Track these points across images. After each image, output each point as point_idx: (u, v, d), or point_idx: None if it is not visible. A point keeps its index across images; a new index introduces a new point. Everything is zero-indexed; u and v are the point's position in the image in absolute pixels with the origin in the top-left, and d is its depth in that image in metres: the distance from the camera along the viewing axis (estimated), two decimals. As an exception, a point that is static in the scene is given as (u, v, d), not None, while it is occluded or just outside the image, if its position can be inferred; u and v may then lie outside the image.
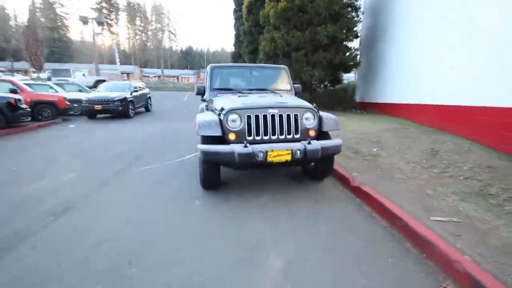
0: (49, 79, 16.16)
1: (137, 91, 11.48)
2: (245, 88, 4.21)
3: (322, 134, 3.30)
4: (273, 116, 3.03)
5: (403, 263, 1.98)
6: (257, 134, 3.02)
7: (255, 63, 12.46)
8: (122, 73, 27.14)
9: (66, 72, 18.19)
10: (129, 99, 10.42)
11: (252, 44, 15.05)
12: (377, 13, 9.92)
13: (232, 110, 2.99)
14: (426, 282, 1.78)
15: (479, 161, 3.83)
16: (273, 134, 3.05)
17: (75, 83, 13.07)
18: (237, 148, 2.77)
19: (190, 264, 1.99)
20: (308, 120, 3.17)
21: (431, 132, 5.81)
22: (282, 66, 4.61)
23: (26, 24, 27.27)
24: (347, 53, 10.02)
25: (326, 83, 11.38)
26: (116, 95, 9.97)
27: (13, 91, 7.90)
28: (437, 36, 6.43)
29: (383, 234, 2.39)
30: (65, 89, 11.48)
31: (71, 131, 7.86)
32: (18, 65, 35.77)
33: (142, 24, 62.96)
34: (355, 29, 10.00)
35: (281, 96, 3.83)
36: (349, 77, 15.47)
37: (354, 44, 11.03)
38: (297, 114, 3.11)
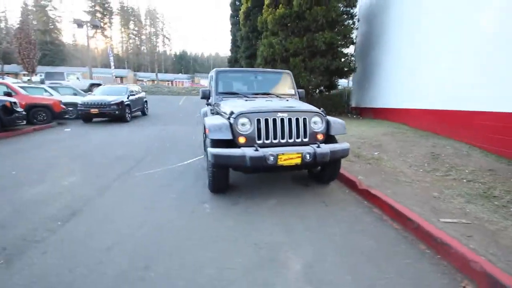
0: (42, 82, 15.87)
1: (133, 94, 11.38)
2: (250, 92, 4.24)
3: (328, 138, 3.34)
4: (282, 120, 3.06)
5: (419, 264, 2.01)
6: (267, 137, 3.04)
7: (253, 67, 12.57)
8: (116, 77, 26.89)
9: (60, 75, 17.91)
10: (126, 103, 10.32)
11: (249, 49, 15.17)
12: (371, 20, 10.17)
13: (242, 114, 3.01)
14: (444, 283, 1.81)
15: (480, 165, 3.93)
16: (282, 137, 3.07)
17: (69, 87, 12.88)
18: (249, 151, 2.78)
19: (211, 267, 1.97)
20: (316, 124, 3.21)
21: (428, 136, 5.94)
22: (286, 71, 4.67)
23: (19, 26, 26.79)
24: (344, 59, 10.20)
25: (321, 88, 11.54)
26: (113, 98, 9.87)
27: (7, 94, 7.73)
28: (432, 41, 6.62)
29: (395, 236, 2.43)
30: (60, 93, 11.30)
31: (68, 135, 7.73)
32: (8, 68, 35.07)
33: (136, 28, 62.78)
34: (351, 35, 10.21)
35: (287, 100, 3.87)
36: (342, 83, 15.73)
37: (350, 50, 11.26)
38: (305, 118, 3.14)
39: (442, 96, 6.18)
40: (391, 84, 8.81)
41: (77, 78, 18.61)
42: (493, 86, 4.78)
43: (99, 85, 18.31)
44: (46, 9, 48.02)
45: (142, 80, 48.67)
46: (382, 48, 9.36)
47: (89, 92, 13.43)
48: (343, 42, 10.03)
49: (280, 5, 9.83)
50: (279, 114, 3.06)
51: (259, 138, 3.01)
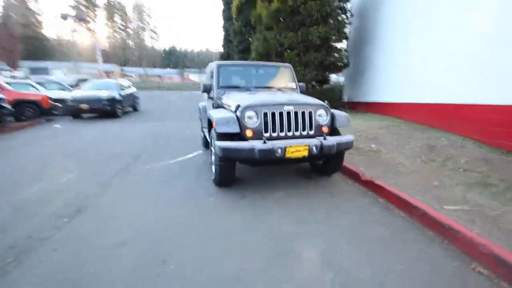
0: (26, 77, 15.25)
1: (124, 90, 11.13)
2: (252, 86, 4.23)
3: (332, 130, 3.39)
4: (288, 113, 3.08)
5: (430, 249, 2.09)
6: (273, 130, 3.05)
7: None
8: (104, 72, 26.15)
9: (44, 70, 17.30)
10: (117, 98, 10.08)
11: (242, 43, 15.04)
12: (365, 15, 10.27)
13: (249, 107, 3.00)
14: (455, 265, 1.90)
15: (474, 155, 4.09)
16: (289, 130, 3.09)
17: (56, 82, 12.44)
18: (257, 144, 2.79)
19: (229, 259, 1.99)
20: (321, 117, 3.25)
21: (422, 129, 6.10)
22: (287, 64, 4.68)
23: (1, 21, 25.49)
24: (337, 54, 10.27)
25: (313, 82, 11.60)
26: (104, 94, 9.61)
27: (-8, 90, 7.41)
28: (425, 36, 6.76)
29: (403, 224, 2.51)
30: (46, 88, 10.90)
31: (58, 131, 7.49)
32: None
33: (123, 23, 60.97)
34: (344, 30, 10.28)
35: (291, 93, 3.88)
36: (332, 78, 15.85)
37: (343, 45, 11.34)
38: (311, 111, 3.17)
39: (435, 90, 6.35)
40: (384, 79, 8.96)
41: (64, 73, 18.00)
42: (485, 79, 4.95)
43: (85, 80, 17.78)
44: (27, 1, 45.85)
45: (129, 75, 47.51)
46: (375, 43, 9.49)
47: (77, 87, 12.99)
48: (337, 37, 10.10)
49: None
50: (286, 107, 3.07)
51: (266, 131, 3.02)
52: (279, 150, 2.80)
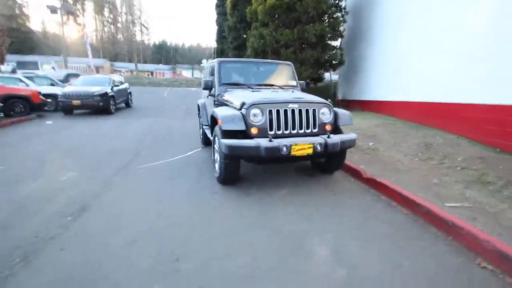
0: (13, 71, 14.74)
1: (117, 85, 10.91)
2: (253, 83, 4.21)
3: (335, 129, 3.42)
4: (293, 110, 3.09)
5: (435, 246, 2.15)
6: (278, 128, 3.06)
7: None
8: (94, 67, 25.46)
9: (33, 64, 16.72)
10: (110, 94, 9.86)
11: (237, 40, 14.92)
12: (359, 13, 10.35)
13: (254, 105, 3.00)
14: (460, 261, 1.96)
15: (470, 153, 4.21)
16: (293, 128, 3.11)
17: (46, 77, 12.08)
18: (263, 142, 2.79)
19: (241, 256, 2.00)
20: (325, 115, 3.28)
21: (418, 127, 6.24)
22: (288, 62, 4.68)
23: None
24: (333, 52, 10.34)
25: (308, 80, 11.66)
26: (97, 89, 9.38)
27: (-20, 84, 7.14)
28: (420, 35, 6.87)
29: (406, 221, 2.57)
30: (36, 83, 10.58)
31: (50, 128, 7.29)
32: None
33: (111, 16, 59.43)
34: (339, 28, 10.34)
35: (293, 91, 3.90)
36: (326, 76, 15.95)
37: (338, 43, 11.41)
38: (315, 109, 3.20)
39: (430, 89, 6.48)
40: (379, 77, 9.08)
41: (53, 68, 17.47)
42: (480, 78, 5.08)
43: (76, 75, 17.31)
44: (10, -9, 44.03)
45: (120, 71, 46.50)
46: (369, 42, 9.59)
47: (68, 83, 12.66)
48: (332, 35, 10.15)
49: (271, -5, 9.71)
50: (290, 105, 3.09)
51: (271, 129, 3.03)
52: (285, 148, 2.82)
